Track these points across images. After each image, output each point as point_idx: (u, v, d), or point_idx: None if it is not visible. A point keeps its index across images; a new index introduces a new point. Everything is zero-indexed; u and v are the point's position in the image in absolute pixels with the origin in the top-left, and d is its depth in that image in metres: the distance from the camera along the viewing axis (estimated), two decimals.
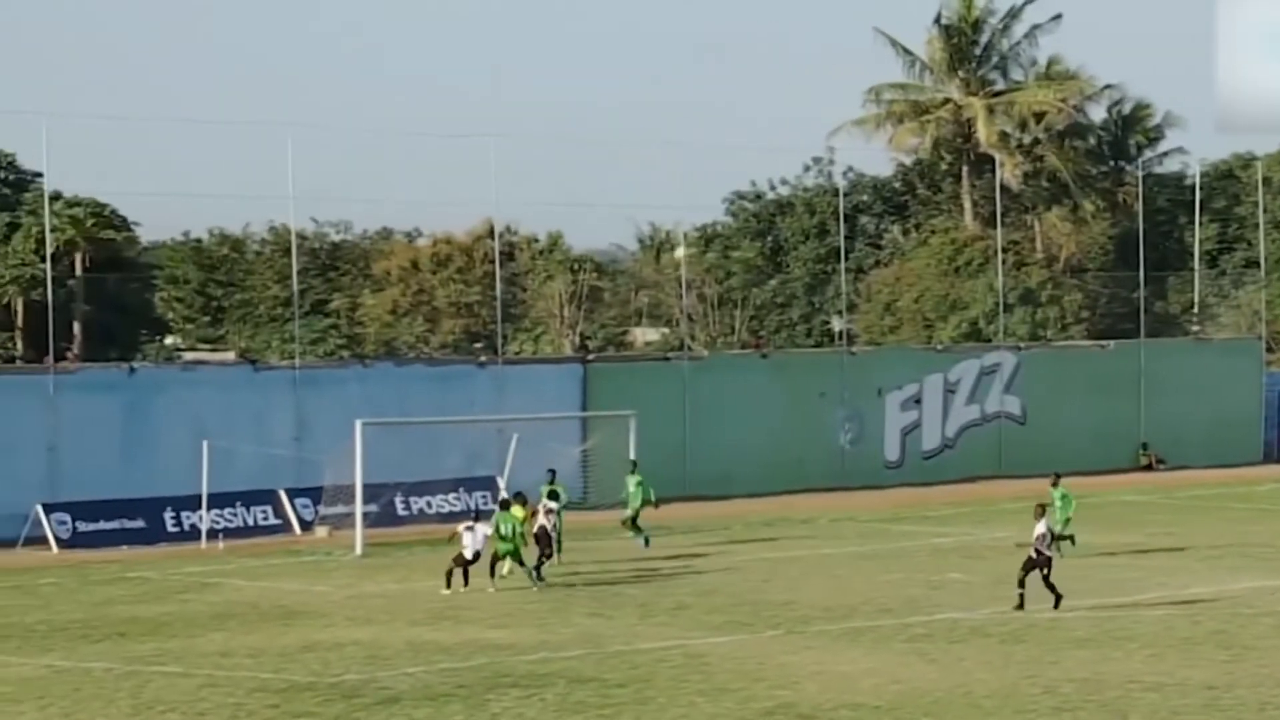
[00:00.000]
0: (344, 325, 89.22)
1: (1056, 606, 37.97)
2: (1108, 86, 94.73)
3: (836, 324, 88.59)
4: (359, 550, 49.03)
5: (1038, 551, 38.18)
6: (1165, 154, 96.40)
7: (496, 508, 44.94)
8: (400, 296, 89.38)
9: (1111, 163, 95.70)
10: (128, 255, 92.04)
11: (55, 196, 79.21)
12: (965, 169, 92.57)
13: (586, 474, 59.24)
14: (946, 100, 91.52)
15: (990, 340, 79.40)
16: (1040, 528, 38.26)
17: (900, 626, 37.15)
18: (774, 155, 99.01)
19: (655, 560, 47.45)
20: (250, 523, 54.68)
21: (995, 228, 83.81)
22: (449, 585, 41.42)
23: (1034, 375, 72.73)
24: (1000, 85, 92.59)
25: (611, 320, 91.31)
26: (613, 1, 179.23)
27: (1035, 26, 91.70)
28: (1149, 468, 73.15)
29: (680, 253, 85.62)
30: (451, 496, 57.33)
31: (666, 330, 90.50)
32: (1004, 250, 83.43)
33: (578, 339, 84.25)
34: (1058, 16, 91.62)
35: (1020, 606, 38.08)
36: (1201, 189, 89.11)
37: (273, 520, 55.05)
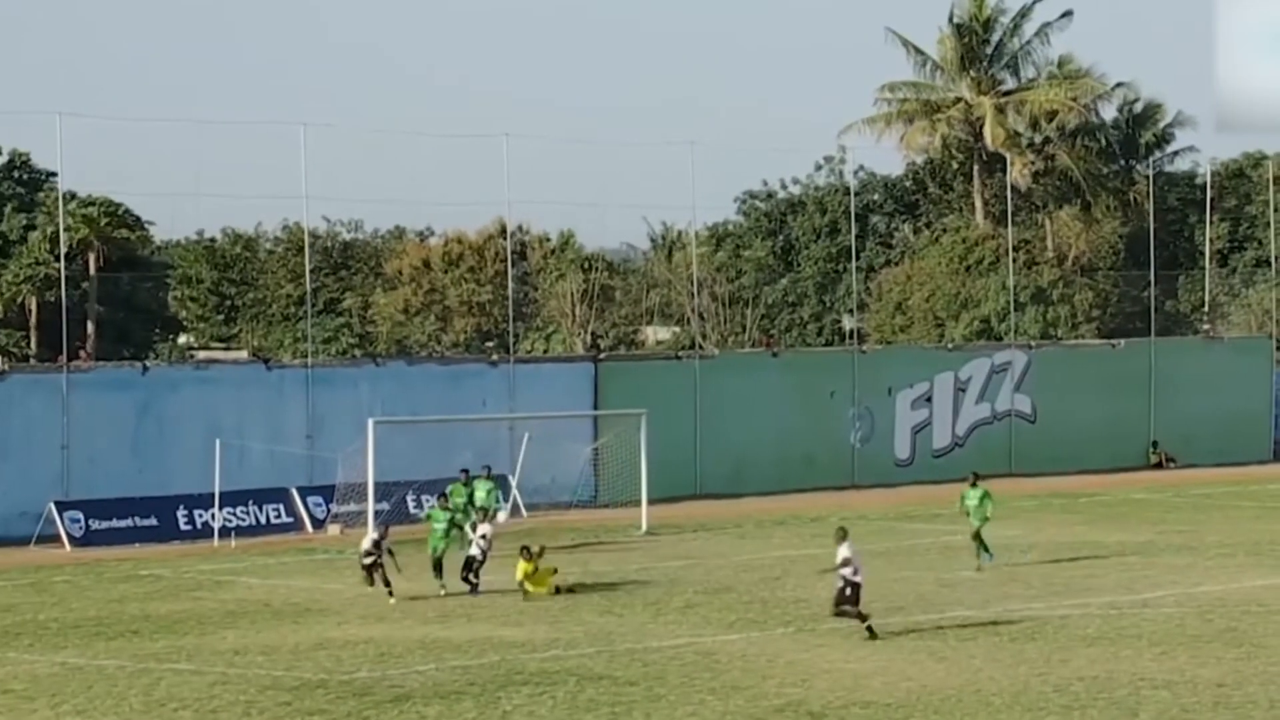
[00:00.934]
0: (356, 324, 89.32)
1: (869, 631, 35.15)
2: (1119, 85, 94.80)
3: (847, 323, 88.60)
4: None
5: (845, 580, 35.10)
6: (1176, 153, 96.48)
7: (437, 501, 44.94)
8: (412, 295, 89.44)
9: (1122, 162, 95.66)
10: (141, 254, 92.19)
11: (70, 196, 79.32)
12: (976, 168, 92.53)
13: (598, 472, 59.29)
14: (958, 99, 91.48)
15: (1001, 339, 79.37)
16: (844, 551, 35.28)
17: (911, 624, 37.13)
18: (785, 154, 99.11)
19: (666, 558, 47.41)
20: (263, 521, 54.74)
21: (1006, 226, 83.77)
22: (473, 590, 41.03)
23: (1045, 374, 72.67)
24: (1011, 84, 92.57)
25: (623, 319, 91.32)
26: (625, 2, 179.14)
27: (1046, 25, 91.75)
28: (1159, 466, 73.07)
29: (691, 251, 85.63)
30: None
31: (678, 329, 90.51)
32: (1015, 249, 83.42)
33: (589, 338, 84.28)
34: (1068, 14, 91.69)
35: (870, 633, 35.19)
36: (1212, 188, 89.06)
37: (285, 518, 55.10)
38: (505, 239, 79.80)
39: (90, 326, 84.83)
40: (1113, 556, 47.56)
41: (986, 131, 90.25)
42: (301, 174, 61.13)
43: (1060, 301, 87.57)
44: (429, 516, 43.63)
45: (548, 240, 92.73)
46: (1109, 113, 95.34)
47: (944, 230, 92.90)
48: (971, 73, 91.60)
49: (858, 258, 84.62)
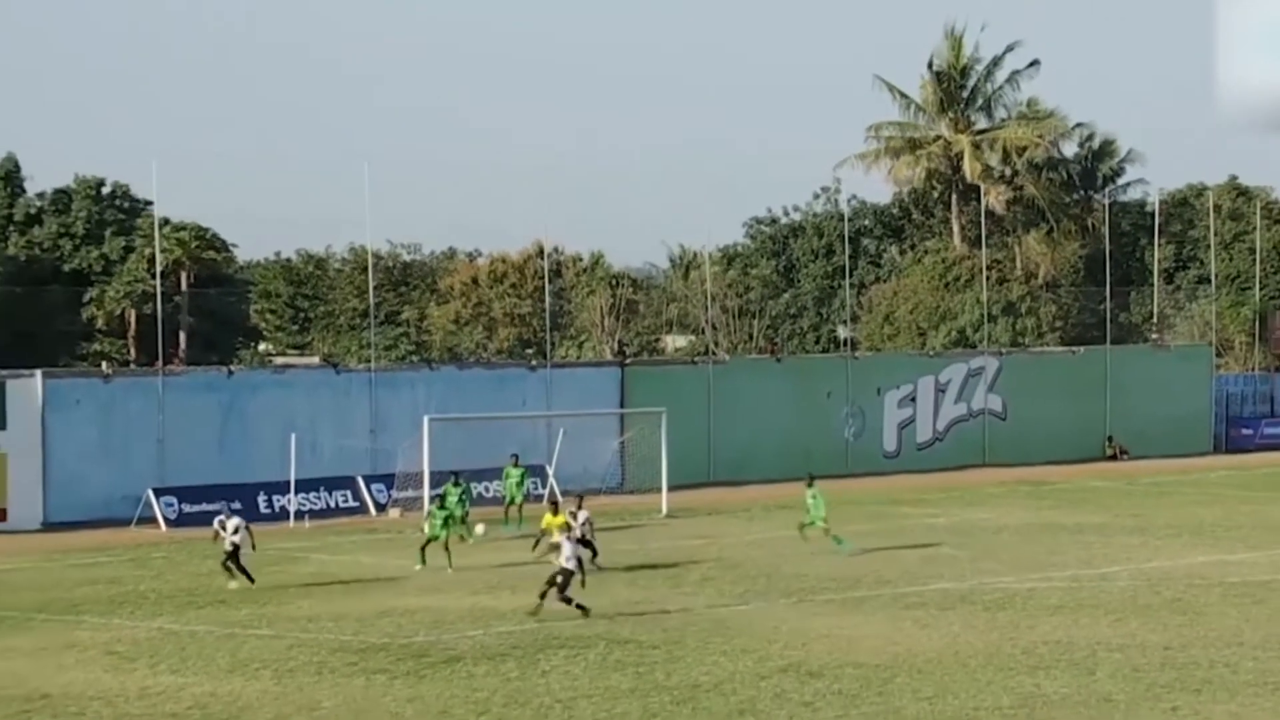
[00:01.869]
0: (413, 333, 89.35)
1: (584, 612, 33.92)
2: (1079, 125, 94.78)
3: (841, 332, 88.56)
4: (427, 529, 49.03)
5: (564, 570, 33.97)
6: (1129, 184, 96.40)
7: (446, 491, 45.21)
8: (462, 308, 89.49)
9: (1082, 192, 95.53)
10: (226, 273, 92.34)
11: (164, 222, 79.48)
12: (954, 197, 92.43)
13: (623, 463, 59.30)
14: (938, 137, 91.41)
15: (976, 346, 79.27)
16: (567, 549, 34.14)
17: (897, 595, 37.12)
18: (787, 185, 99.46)
19: (684, 538, 47.41)
20: (332, 505, 54.80)
21: (980, 248, 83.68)
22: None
23: (1014, 377, 72.60)
24: (985, 124, 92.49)
25: (645, 329, 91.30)
26: (647, 53, 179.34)
27: (1016, 72, 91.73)
28: (1114, 458, 72.95)
29: (706, 270, 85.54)
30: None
31: (693, 338, 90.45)
32: (988, 268, 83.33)
33: (616, 345, 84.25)
34: (1035, 63, 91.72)
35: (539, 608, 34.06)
36: (1160, 215, 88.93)
37: (352, 503, 55.15)
38: (543, 259, 79.90)
39: (182, 336, 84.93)
40: (1073, 536, 47.51)
41: (964, 165, 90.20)
42: (365, 203, 61.33)
43: (1027, 314, 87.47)
44: (430, 514, 43.47)
45: (580, 260, 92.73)
46: (1070, 149, 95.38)
47: (926, 252, 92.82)
48: (950, 114, 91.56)
49: (851, 275, 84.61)
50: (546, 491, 53.00)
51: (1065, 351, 78.90)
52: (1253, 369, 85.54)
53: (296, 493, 53.49)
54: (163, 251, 74.47)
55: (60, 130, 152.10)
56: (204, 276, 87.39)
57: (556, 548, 35.74)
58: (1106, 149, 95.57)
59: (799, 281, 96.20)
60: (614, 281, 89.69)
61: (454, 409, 55.41)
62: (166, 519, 52.23)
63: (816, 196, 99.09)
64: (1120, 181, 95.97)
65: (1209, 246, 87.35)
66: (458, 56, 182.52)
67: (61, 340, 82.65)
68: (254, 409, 56.01)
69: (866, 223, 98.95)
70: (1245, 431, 78.72)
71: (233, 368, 64.30)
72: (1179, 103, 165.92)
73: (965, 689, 27.56)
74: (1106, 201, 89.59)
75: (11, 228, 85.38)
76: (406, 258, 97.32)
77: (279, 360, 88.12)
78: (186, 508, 52.78)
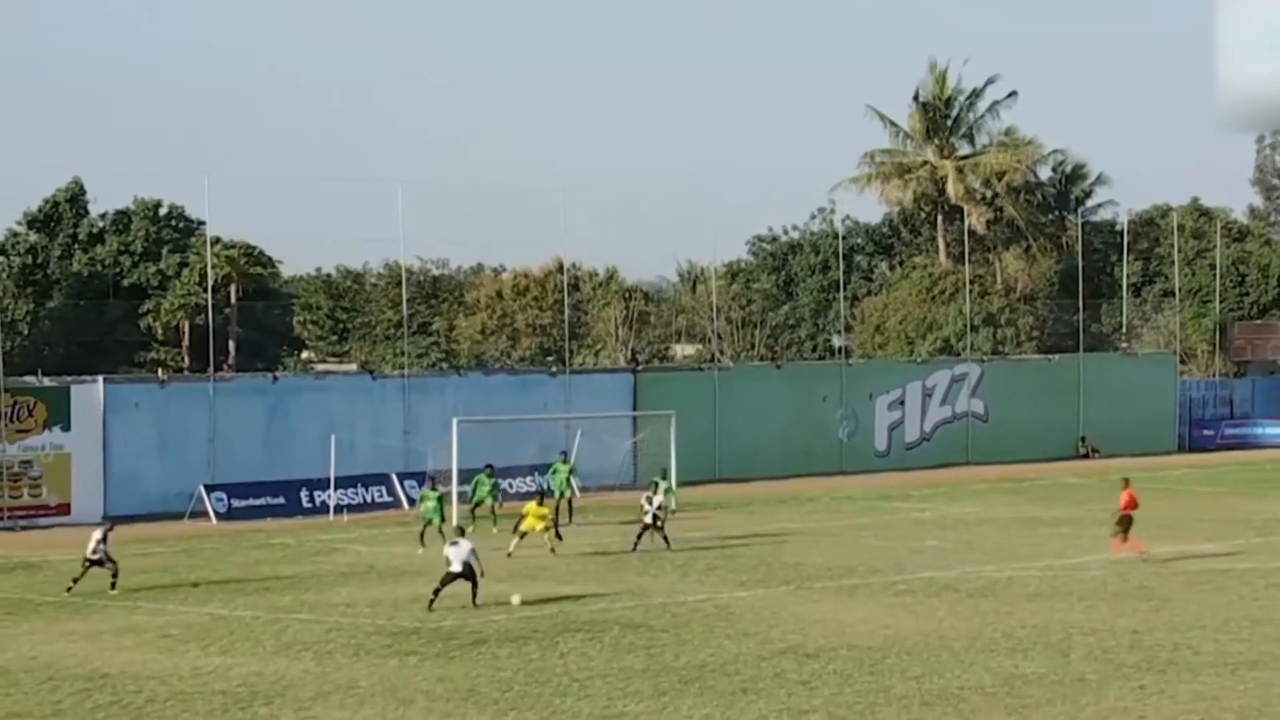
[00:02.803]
0: (443, 342, 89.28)
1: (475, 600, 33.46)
2: (1054, 151, 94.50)
3: (836, 341, 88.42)
4: (455, 522, 49.00)
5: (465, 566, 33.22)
6: (1099, 205, 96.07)
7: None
8: (488, 319, 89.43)
9: (1056, 212, 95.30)
10: (272, 287, 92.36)
11: (215, 240, 79.53)
12: (939, 217, 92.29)
13: (636, 460, 59.22)
14: (925, 162, 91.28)
15: (959, 354, 79.15)
16: (463, 550, 33.30)
17: (888, 583, 37.04)
18: (787, 206, 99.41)
19: (691, 530, 47.35)
20: (369, 500, 54.73)
21: (963, 264, 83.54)
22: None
23: (994, 382, 72.49)
24: (967, 150, 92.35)
25: (656, 338, 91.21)
26: (661, 84, 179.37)
27: (996, 102, 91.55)
28: (1086, 456, 72.80)
29: (712, 284, 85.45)
30: (529, 479, 57.29)
31: (700, 346, 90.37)
32: (970, 283, 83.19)
33: (629, 353, 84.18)
34: (1014, 94, 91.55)
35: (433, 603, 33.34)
36: (1128, 233, 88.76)
37: (386, 498, 55.10)
38: (562, 274, 79.84)
39: (231, 345, 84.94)
40: (1049, 529, 47.41)
41: (948, 188, 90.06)
42: (399, 222, 61.26)
43: (1007, 324, 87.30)
44: (423, 497, 44.34)
45: (596, 275, 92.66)
46: (1045, 173, 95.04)
47: (914, 267, 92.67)
48: (936, 141, 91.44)
49: (845, 289, 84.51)
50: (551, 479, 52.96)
51: (1042, 359, 78.76)
52: (1214, 375, 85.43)
53: (335, 489, 53.45)
54: (214, 267, 74.53)
55: (121, 154, 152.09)
56: (251, 290, 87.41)
57: (524, 535, 35.93)
58: (1079, 173, 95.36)
59: (797, 294, 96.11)
60: (627, 295, 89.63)
61: (480, 412, 55.34)
62: (216, 513, 52.22)
63: (814, 216, 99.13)
64: (1091, 203, 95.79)
65: (1173, 263, 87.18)
66: (488, 89, 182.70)
67: (121, 349, 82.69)
68: (296, 412, 55.96)
69: (859, 240, 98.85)
70: (1207, 432, 78.59)
71: (277, 374, 64.33)
72: (1146, 130, 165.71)
73: (950, 669, 27.50)
74: (1079, 221, 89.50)
75: (76, 246, 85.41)
76: (436, 273, 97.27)
77: (320, 367, 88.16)
78: (235, 502, 52.80)
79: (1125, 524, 39.61)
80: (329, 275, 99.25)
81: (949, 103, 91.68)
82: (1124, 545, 39.66)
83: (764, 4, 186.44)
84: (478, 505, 49.22)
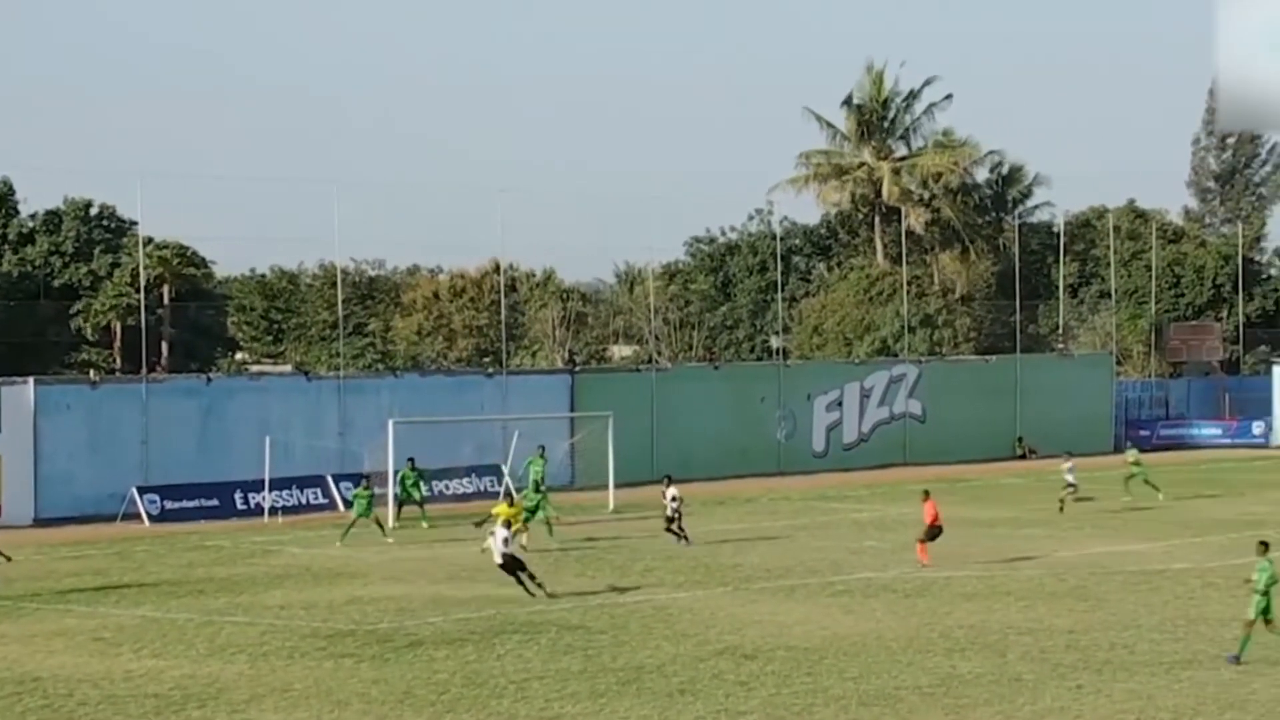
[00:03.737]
0: (379, 343, 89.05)
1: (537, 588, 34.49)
2: (990, 152, 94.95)
3: (774, 342, 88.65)
4: (391, 523, 48.94)
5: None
6: (1036, 206, 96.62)
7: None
8: (424, 320, 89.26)
9: (993, 214, 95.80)
10: (205, 287, 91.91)
11: (147, 240, 79.03)
12: (877, 219, 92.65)
13: (574, 462, 59.22)
14: (861, 164, 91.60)
15: (897, 355, 79.47)
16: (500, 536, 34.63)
17: (825, 584, 37.14)
18: (724, 207, 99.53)
19: (629, 532, 47.37)
20: (304, 502, 54.54)
21: (901, 266, 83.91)
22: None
23: (932, 383, 72.82)
24: (904, 151, 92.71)
25: (594, 339, 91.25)
26: (596, 84, 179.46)
27: (932, 104, 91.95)
28: (1023, 457, 73.19)
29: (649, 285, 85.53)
30: (465, 481, 57.30)
31: (638, 347, 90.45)
32: (908, 284, 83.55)
33: (566, 354, 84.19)
34: (949, 96, 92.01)
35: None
36: (1065, 235, 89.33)
37: (321, 500, 54.92)
38: (499, 275, 79.75)
39: (164, 346, 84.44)
40: (986, 529, 47.63)
41: (885, 189, 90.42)
42: (334, 222, 61.11)
43: (944, 325, 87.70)
44: (356, 496, 45.44)
45: (533, 276, 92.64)
46: (982, 174, 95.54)
47: (851, 268, 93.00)
48: (872, 142, 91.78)
49: (782, 290, 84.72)
50: (502, 489, 52.86)
51: (979, 360, 79.17)
52: (1149, 375, 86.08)
53: (270, 490, 53.23)
54: (146, 268, 74.06)
55: (51, 154, 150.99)
56: (184, 291, 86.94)
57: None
58: (1016, 174, 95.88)
59: (735, 295, 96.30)
60: (565, 296, 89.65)
61: (416, 413, 55.21)
62: (149, 515, 51.91)
63: (751, 218, 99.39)
64: (1028, 204, 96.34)
65: (1109, 264, 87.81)
66: (424, 90, 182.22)
67: (52, 350, 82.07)
68: (231, 413, 55.72)
69: (797, 242, 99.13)
70: (1143, 433, 79.12)
71: (211, 375, 64.02)
72: (1083, 132, 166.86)
73: (888, 669, 27.59)
74: (1016, 223, 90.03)
75: (5, 246, 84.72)
76: (372, 273, 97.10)
77: (254, 368, 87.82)
78: (168, 505, 52.53)
79: (932, 535, 39.56)
80: (263, 276, 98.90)
81: (886, 104, 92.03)
82: (925, 552, 39.47)
83: (701, 5, 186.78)
84: (404, 503, 49.20)
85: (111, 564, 42.34)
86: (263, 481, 53.04)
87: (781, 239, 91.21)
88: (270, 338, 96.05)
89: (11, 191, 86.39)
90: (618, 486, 54.03)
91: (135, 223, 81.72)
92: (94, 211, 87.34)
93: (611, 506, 53.06)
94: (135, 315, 75.70)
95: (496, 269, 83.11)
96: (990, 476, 65.01)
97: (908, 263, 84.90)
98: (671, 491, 44.01)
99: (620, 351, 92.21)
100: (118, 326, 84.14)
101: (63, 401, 53.39)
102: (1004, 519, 50.40)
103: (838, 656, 28.70)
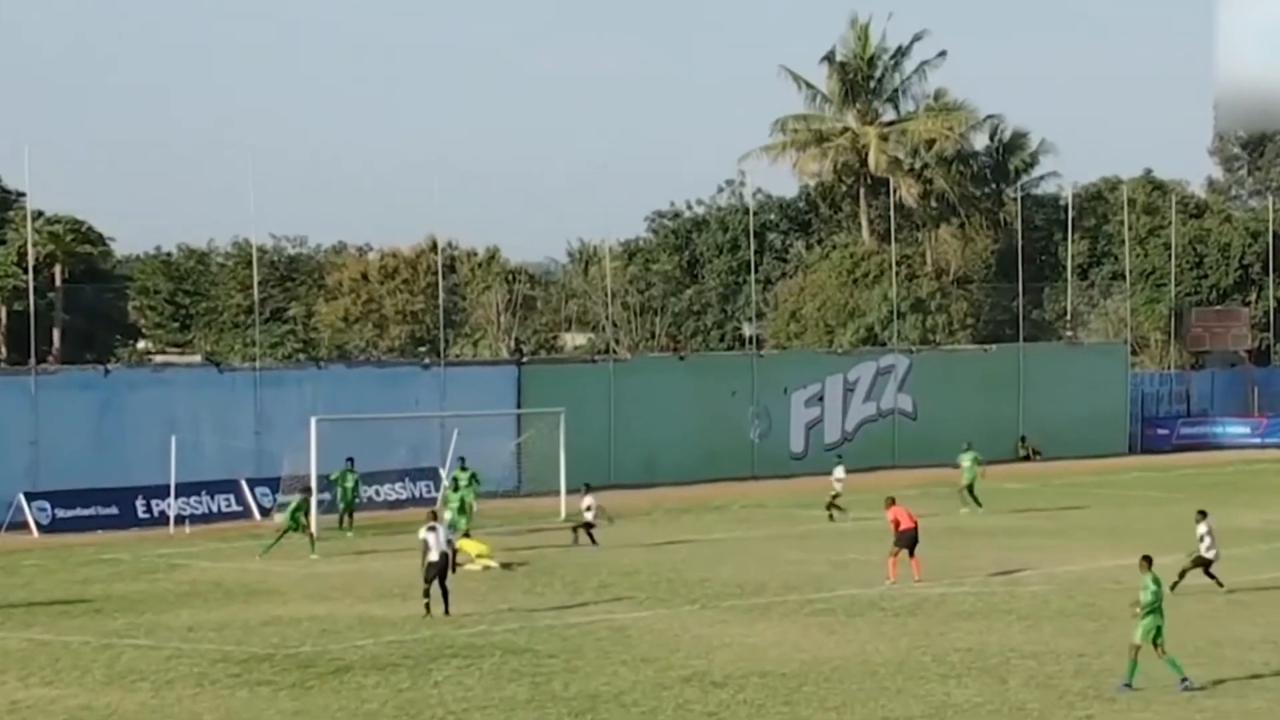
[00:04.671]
0: (300, 331, 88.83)
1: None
2: (989, 117, 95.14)
3: (747, 329, 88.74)
4: (314, 534, 48.74)
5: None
6: (1041, 177, 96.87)
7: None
8: (351, 305, 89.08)
9: (993, 185, 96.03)
10: (103, 267, 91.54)
11: (37, 214, 78.64)
12: (862, 191, 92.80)
13: (521, 465, 59.16)
14: (845, 129, 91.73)
15: (885, 344, 79.59)
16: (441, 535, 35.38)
17: (804, 602, 37.18)
18: (690, 178, 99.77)
19: (582, 543, 47.33)
20: (214, 509, 54.39)
21: (889, 243, 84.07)
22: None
23: (924, 376, 72.96)
24: (892, 116, 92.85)
25: (543, 326, 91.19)
26: (544, 41, 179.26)
27: (924, 62, 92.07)
28: (1027, 459, 73.39)
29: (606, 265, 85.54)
30: (398, 485, 57.22)
31: (593, 335, 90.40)
32: (897, 264, 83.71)
33: (513, 343, 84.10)
34: (943, 53, 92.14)
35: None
36: (1074, 209, 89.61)
37: (235, 507, 54.78)
38: (436, 254, 79.62)
39: (56, 333, 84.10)
40: (985, 539, 47.74)
41: (871, 158, 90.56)
42: (251, 194, 60.93)
43: (938, 311, 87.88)
44: (289, 505, 45.83)
45: (475, 255, 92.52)
46: (980, 141, 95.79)
47: (834, 246, 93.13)
48: (857, 105, 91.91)
49: (756, 271, 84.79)
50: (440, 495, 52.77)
51: (977, 349, 79.35)
52: (1168, 367, 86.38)
53: (177, 497, 53.04)
54: (35, 245, 73.74)
55: None
56: (79, 271, 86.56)
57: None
58: (1018, 141, 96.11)
59: (703, 277, 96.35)
60: (510, 277, 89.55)
61: (343, 409, 55.06)
62: (39, 524, 51.68)
63: (721, 190, 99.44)
64: (1032, 175, 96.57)
65: (1124, 241, 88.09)
66: (345, 41, 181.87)
67: None
68: (132, 409, 55.49)
69: (772, 217, 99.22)
70: (1161, 431, 79.46)
71: (110, 366, 63.73)
72: (1093, 93, 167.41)
73: (874, 698, 27.62)
74: (1018, 195, 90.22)
75: None
76: (292, 251, 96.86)
77: (158, 359, 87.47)
78: (60, 513, 52.28)
79: (910, 543, 39.65)
80: (169, 255, 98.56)
81: (871, 62, 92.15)
82: (896, 564, 39.56)
83: None
84: (348, 510, 49.21)
85: None
86: (168, 487, 52.82)
87: (755, 213, 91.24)
88: (177, 324, 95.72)
89: None
90: (570, 493, 53.97)
91: (23, 194, 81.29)
92: None
93: (563, 515, 52.99)
94: (23, 299, 75.30)
95: (433, 247, 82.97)
96: (990, 481, 65.00)
97: (897, 240, 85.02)
98: (588, 500, 45.33)
99: (573, 340, 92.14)
100: (2, 312, 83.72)
101: None
102: (1005, 528, 50.55)
103: (818, 683, 28.72)
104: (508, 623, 34.65)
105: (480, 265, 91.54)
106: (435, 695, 28.18)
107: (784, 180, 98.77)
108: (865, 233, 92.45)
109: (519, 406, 61.50)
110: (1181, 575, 37.48)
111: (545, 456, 54.76)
